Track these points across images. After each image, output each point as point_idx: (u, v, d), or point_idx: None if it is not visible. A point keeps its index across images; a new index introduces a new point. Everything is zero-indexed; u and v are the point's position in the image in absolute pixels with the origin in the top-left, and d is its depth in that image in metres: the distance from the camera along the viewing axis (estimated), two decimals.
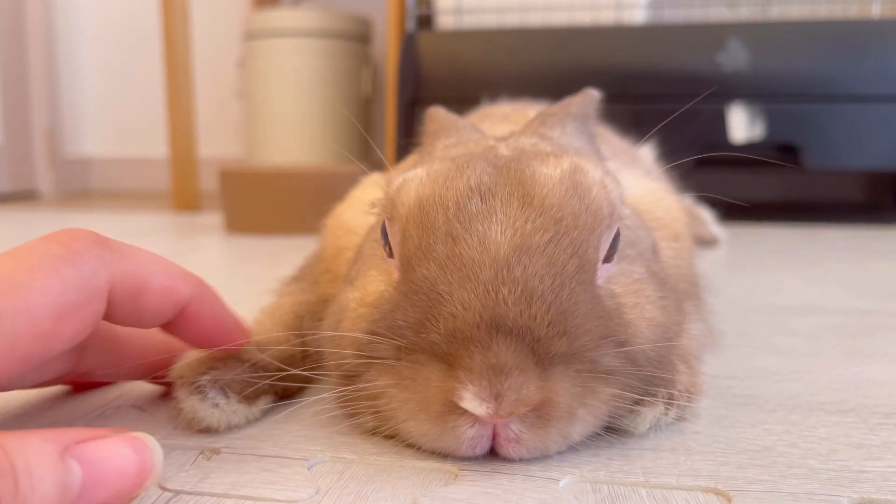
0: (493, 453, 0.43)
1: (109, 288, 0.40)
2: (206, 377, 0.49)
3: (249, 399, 0.51)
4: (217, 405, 0.49)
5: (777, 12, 2.13)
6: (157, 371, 0.51)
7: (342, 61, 2.69)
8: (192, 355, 0.52)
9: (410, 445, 0.45)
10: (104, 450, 0.35)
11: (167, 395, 0.55)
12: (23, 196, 3.07)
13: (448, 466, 0.44)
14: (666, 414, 0.49)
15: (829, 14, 2.08)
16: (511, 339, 0.40)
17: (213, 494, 0.41)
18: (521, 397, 0.40)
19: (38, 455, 0.32)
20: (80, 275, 0.38)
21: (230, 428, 0.50)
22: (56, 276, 0.37)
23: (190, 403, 0.49)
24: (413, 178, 0.49)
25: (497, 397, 0.39)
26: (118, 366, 0.52)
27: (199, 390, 0.49)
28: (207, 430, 0.49)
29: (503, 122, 0.84)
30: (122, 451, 0.36)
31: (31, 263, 0.37)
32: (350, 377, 0.47)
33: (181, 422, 0.50)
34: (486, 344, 0.40)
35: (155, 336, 0.53)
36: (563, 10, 2.07)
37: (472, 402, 0.39)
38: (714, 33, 1.95)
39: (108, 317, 0.43)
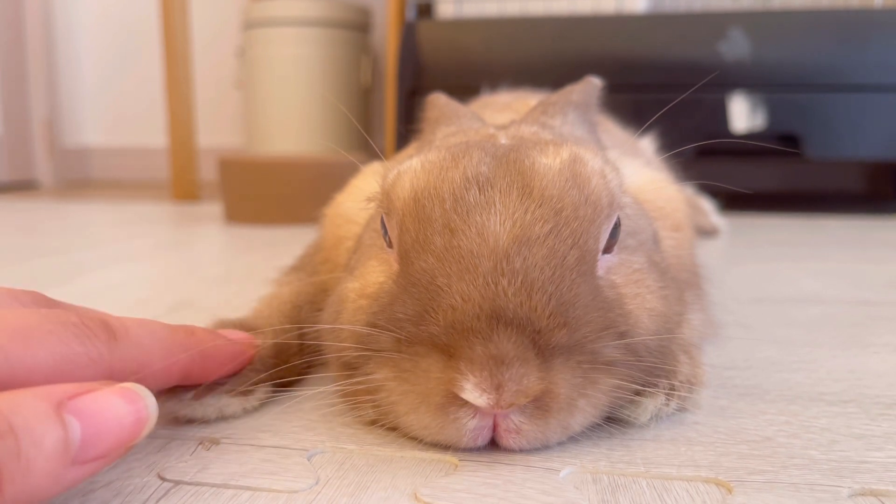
0: (493, 444, 0.43)
1: (110, 372, 0.41)
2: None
3: (244, 392, 0.51)
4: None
5: (779, 1, 2.12)
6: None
7: (342, 50, 2.67)
8: None
9: (411, 437, 0.45)
10: (99, 402, 0.35)
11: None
12: (22, 186, 3.07)
13: (448, 457, 0.44)
14: (667, 405, 0.49)
15: (831, 3, 2.06)
16: (511, 330, 0.40)
17: (212, 485, 0.41)
18: (522, 388, 0.39)
19: (36, 413, 0.32)
20: (86, 353, 0.39)
21: (224, 417, 0.50)
22: (64, 345, 0.38)
23: (167, 407, 0.48)
24: (407, 169, 0.48)
25: (498, 388, 0.39)
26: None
27: (175, 394, 0.48)
28: (201, 422, 0.49)
29: (504, 110, 0.84)
30: (116, 402, 0.36)
31: (49, 327, 0.38)
32: (350, 369, 0.47)
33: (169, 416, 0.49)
34: (487, 335, 0.40)
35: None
36: None
37: (472, 392, 0.39)
38: (715, 22, 1.94)
39: None
